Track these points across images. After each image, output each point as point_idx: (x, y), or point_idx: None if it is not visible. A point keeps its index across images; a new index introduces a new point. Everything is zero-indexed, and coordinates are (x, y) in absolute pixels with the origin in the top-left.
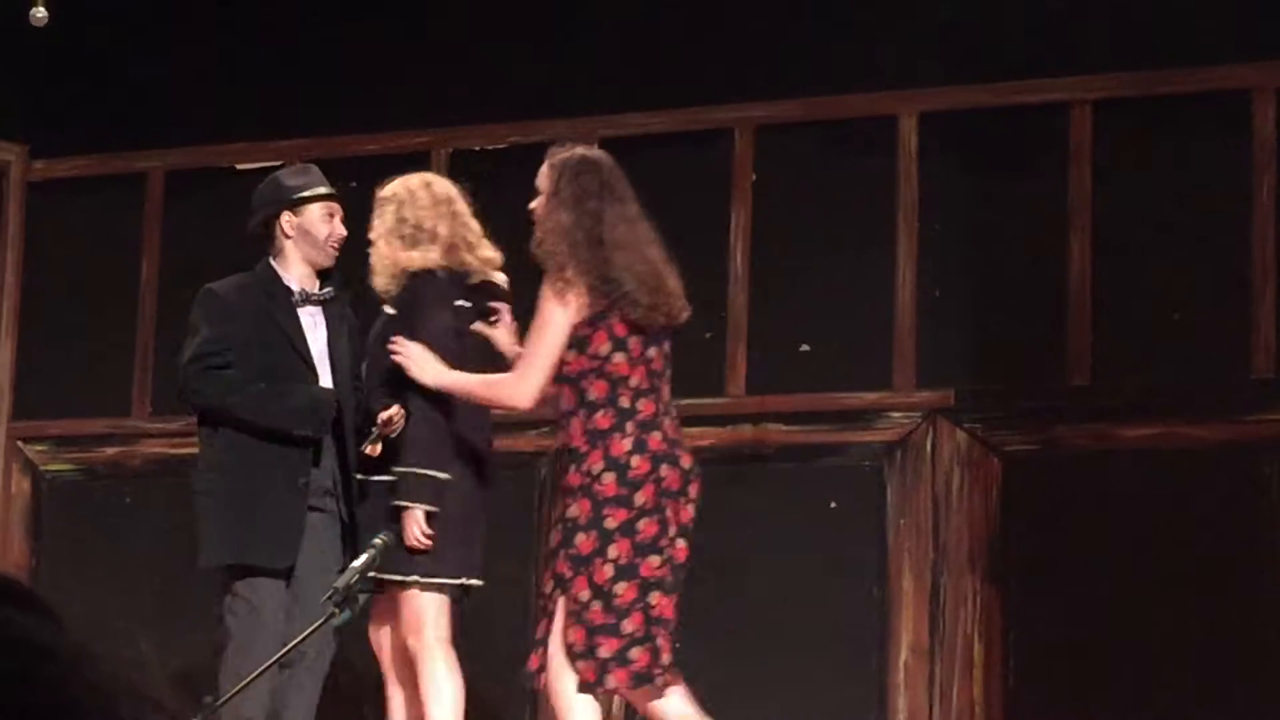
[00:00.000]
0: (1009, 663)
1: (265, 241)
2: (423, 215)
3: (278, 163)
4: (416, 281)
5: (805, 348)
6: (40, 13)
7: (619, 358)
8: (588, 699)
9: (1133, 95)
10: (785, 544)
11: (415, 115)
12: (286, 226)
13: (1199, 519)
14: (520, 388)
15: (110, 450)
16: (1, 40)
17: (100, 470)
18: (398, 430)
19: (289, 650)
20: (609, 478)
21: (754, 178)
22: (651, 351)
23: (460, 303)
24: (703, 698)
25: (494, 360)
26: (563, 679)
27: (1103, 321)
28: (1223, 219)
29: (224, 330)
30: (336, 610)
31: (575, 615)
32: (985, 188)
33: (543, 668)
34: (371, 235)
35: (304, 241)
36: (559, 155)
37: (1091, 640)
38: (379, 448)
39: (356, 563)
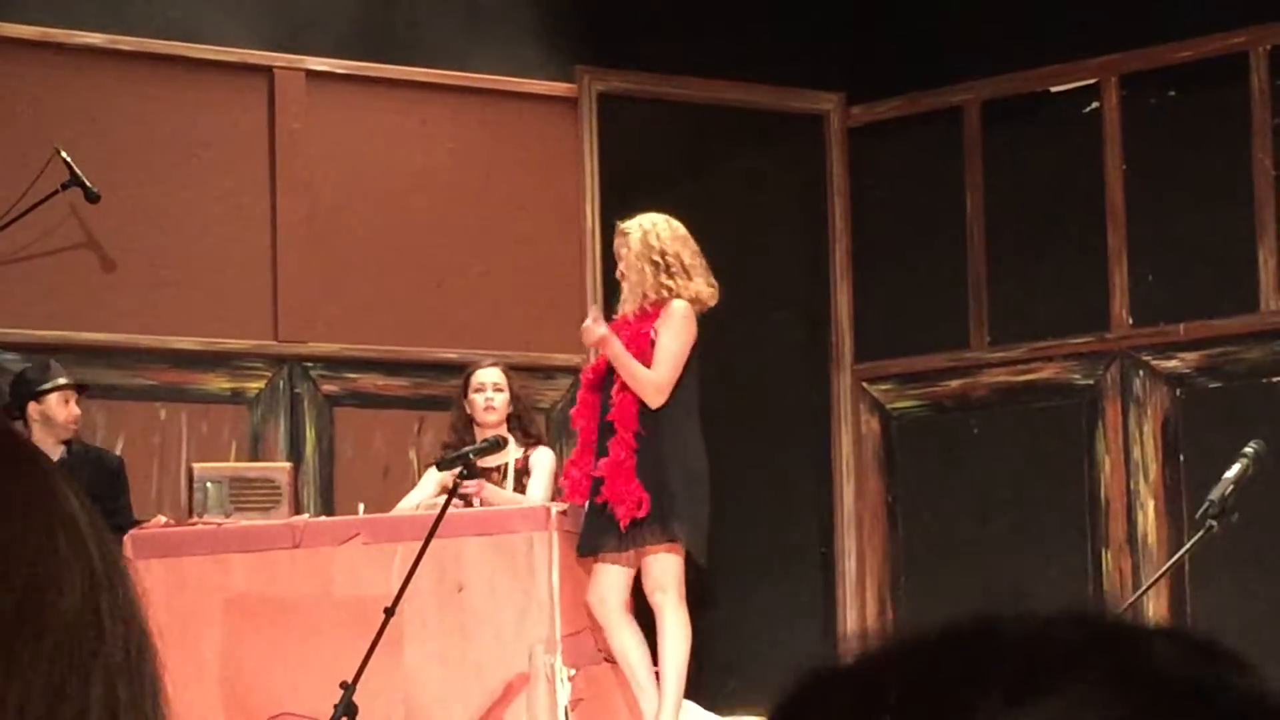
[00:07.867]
0: None
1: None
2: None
3: (1091, 81)
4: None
5: None
6: None
7: None
8: None
9: None
10: None
11: (1228, 15)
12: (34, 413)
13: None
14: None
15: (954, 383)
16: None
17: (946, 404)
18: None
19: None
20: None
21: None
22: None
23: None
24: None
25: None
26: None
27: None
28: None
29: None
30: (1214, 523)
31: None
32: None
33: None
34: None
35: (47, 425)
36: None
37: None
38: None
39: (1229, 473)
